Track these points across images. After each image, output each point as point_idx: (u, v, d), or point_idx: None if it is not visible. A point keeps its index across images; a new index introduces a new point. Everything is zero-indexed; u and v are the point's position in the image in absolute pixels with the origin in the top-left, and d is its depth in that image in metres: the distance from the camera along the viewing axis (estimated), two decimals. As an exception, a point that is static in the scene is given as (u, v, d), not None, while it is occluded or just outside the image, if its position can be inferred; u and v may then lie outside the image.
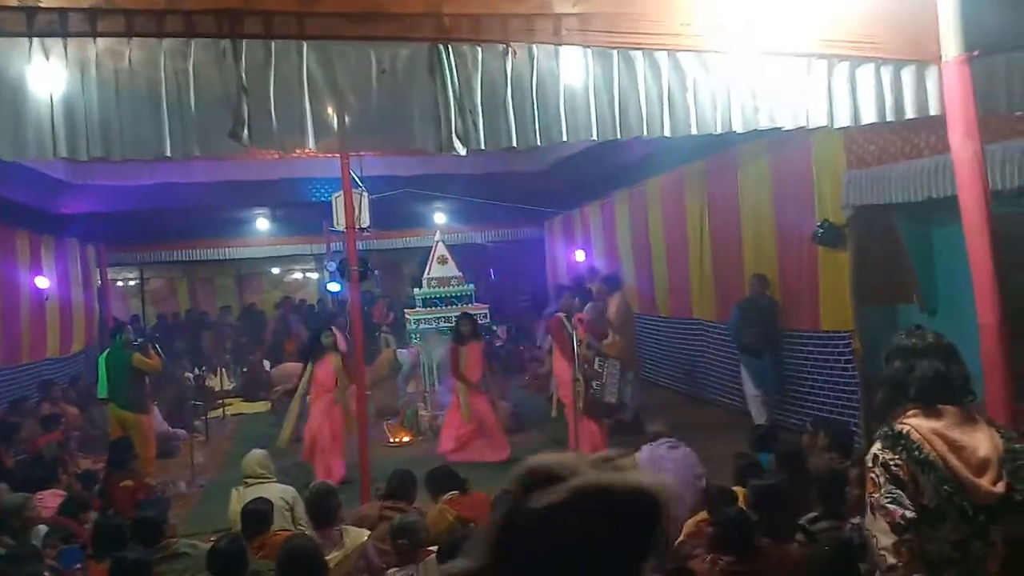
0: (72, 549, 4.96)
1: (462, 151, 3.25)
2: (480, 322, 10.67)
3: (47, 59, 3.13)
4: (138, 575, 3.64)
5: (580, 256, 13.86)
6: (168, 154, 3.09)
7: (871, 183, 6.51)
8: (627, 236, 12.13)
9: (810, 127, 3.94)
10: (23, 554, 4.22)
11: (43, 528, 5.15)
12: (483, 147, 3.33)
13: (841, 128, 6.66)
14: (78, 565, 4.67)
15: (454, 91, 3.23)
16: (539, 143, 3.41)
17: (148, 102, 3.07)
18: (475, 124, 3.23)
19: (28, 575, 3.67)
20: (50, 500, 5.76)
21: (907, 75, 3.85)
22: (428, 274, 10.57)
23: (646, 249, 11.46)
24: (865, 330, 6.90)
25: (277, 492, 5.10)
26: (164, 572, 3.91)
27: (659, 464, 5.19)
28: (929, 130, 5.70)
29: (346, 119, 3.23)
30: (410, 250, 16.31)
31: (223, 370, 13.57)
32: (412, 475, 5.00)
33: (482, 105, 3.30)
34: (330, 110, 3.20)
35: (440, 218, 14.16)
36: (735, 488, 4.51)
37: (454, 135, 3.22)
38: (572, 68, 3.47)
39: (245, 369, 13.98)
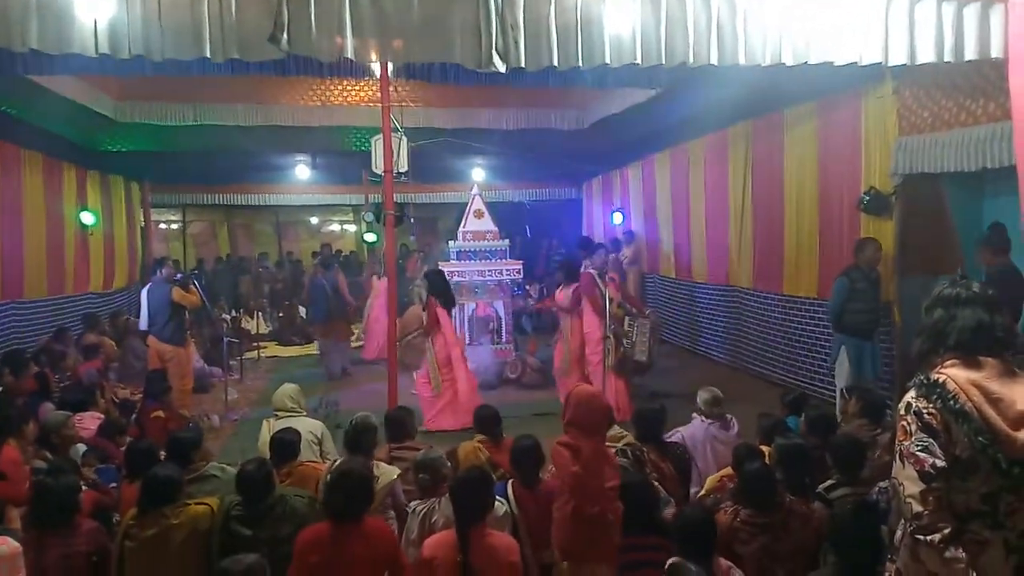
0: (108, 468, 5.16)
1: (502, 68, 3.18)
2: (512, 279, 10.72)
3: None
4: (167, 491, 3.74)
5: (618, 218, 13.74)
6: (208, 55, 3.07)
7: (923, 150, 6.31)
8: (667, 199, 11.97)
9: (863, 63, 3.79)
10: (61, 467, 4.38)
11: (82, 447, 5.34)
12: (524, 65, 3.25)
13: (895, 91, 6.53)
14: (113, 484, 4.85)
15: (496, 7, 3.16)
16: (581, 65, 3.31)
17: (188, 4, 3.06)
18: (516, 42, 3.15)
19: (64, 486, 3.77)
20: (89, 422, 5.96)
21: (970, 13, 3.67)
22: (464, 227, 10.57)
23: (685, 213, 11.30)
24: (905, 301, 6.76)
25: (306, 426, 5.19)
26: (193, 492, 4.01)
27: (707, 442, 5.16)
28: (987, 97, 5.51)
29: (385, 28, 3.18)
30: (446, 205, 16.32)
31: (259, 314, 13.80)
32: (410, 412, 5.15)
33: (525, 23, 3.22)
34: (369, 18, 3.15)
35: (478, 174, 14.12)
36: (760, 448, 4.50)
37: (494, 51, 3.14)
38: (619, -8, 3.36)
39: (280, 314, 14.21)
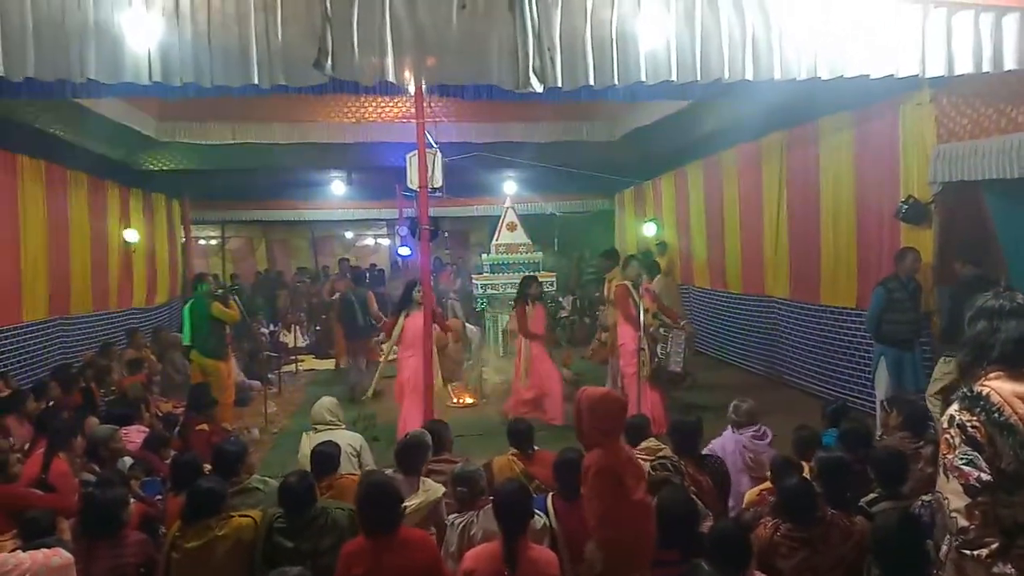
0: (153, 481, 5.26)
1: (539, 88, 3.23)
2: (546, 291, 10.72)
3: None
4: (212, 503, 3.82)
5: (651, 229, 13.70)
6: (255, 82, 3.18)
7: (962, 158, 6.22)
8: (700, 210, 11.92)
9: (899, 76, 3.77)
10: (110, 480, 4.49)
11: (128, 460, 5.46)
12: (560, 85, 3.29)
13: (932, 98, 6.44)
14: (158, 496, 4.95)
15: (533, 27, 3.21)
16: (616, 83, 3.34)
17: (236, 32, 3.17)
18: (553, 61, 3.20)
19: (113, 498, 3.88)
20: (134, 435, 6.09)
21: (1009, 23, 3.63)
22: (497, 240, 10.63)
23: (719, 224, 11.24)
24: (944, 312, 6.64)
25: (345, 438, 5.25)
26: (236, 504, 4.09)
27: (738, 452, 5.12)
28: (1028, 102, 5.42)
29: (424, 51, 3.25)
30: (479, 219, 16.44)
31: (297, 328, 13.98)
32: (446, 426, 5.19)
33: (561, 43, 3.27)
34: (409, 41, 3.22)
35: (510, 187, 14.19)
36: (799, 461, 4.46)
37: (531, 72, 3.19)
38: (653, 8, 3.39)
39: (318, 328, 14.38)
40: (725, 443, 5.18)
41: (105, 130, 9.31)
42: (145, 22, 3.24)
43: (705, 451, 5.01)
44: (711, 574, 2.98)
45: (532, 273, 9.69)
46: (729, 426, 5.31)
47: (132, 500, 4.36)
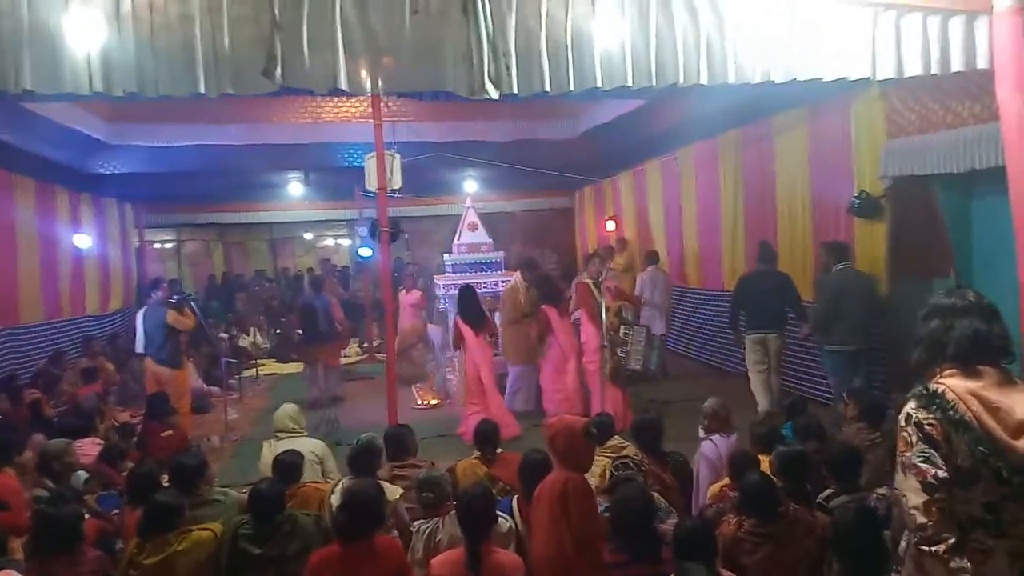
0: (111, 495, 5.14)
1: (495, 94, 3.20)
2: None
3: (85, -1, 3.14)
4: (169, 518, 3.74)
5: (611, 226, 13.77)
6: (202, 91, 3.09)
7: (911, 153, 6.36)
8: (659, 206, 12.02)
9: (852, 79, 3.83)
10: (63, 496, 4.36)
11: (83, 474, 5.32)
12: (516, 91, 3.27)
13: (882, 94, 6.57)
14: (116, 510, 4.83)
15: (487, 34, 3.18)
16: (572, 88, 3.34)
17: (181, 40, 3.07)
18: (508, 68, 3.17)
19: (67, 514, 3.76)
20: (89, 448, 5.94)
21: (955, 26, 3.71)
22: (458, 240, 10.58)
23: (678, 220, 11.35)
24: (899, 304, 6.79)
25: (308, 446, 5.18)
26: (197, 517, 4.00)
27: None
28: (973, 99, 5.55)
29: (377, 60, 3.20)
30: (440, 218, 16.33)
31: (256, 331, 13.77)
32: (410, 430, 5.13)
33: (516, 48, 3.25)
34: (362, 50, 3.17)
35: (470, 186, 14.14)
36: (756, 455, 4.49)
37: (487, 78, 3.17)
38: (608, 12, 3.39)
39: (278, 331, 14.17)
40: (719, 447, 5.06)
41: (52, 133, 9.04)
42: (85, 28, 3.12)
43: (696, 456, 4.95)
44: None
45: (495, 277, 9.66)
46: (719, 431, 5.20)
47: (87, 516, 4.26)
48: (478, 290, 10.18)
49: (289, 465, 4.50)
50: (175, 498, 3.88)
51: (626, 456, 4.47)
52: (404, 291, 11.51)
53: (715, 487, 4.56)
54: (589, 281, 7.97)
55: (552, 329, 8.18)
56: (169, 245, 18.88)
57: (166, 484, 4.39)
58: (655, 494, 4.17)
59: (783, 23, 3.56)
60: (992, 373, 2.23)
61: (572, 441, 3.71)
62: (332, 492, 4.33)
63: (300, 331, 10.26)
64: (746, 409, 7.73)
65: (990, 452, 2.14)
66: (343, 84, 3.23)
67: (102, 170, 11.19)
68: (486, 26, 3.18)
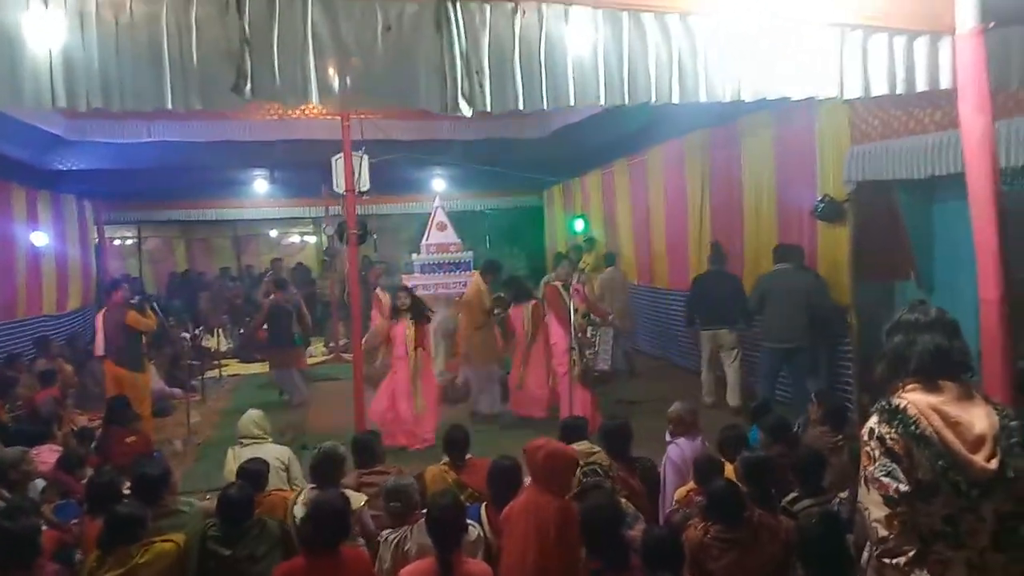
0: (69, 504, 5.01)
1: (468, 112, 3.20)
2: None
3: (46, 7, 3.06)
4: (131, 530, 3.67)
5: (579, 225, 13.82)
6: (169, 106, 3.04)
7: (874, 158, 6.47)
8: (627, 206, 12.08)
9: (820, 98, 3.90)
10: (20, 507, 4.25)
11: (40, 483, 5.19)
12: (489, 109, 3.27)
13: (847, 101, 6.68)
14: (75, 520, 4.72)
15: (461, 50, 3.17)
16: (546, 106, 3.36)
17: (149, 54, 3.01)
18: (481, 85, 3.17)
19: (24, 528, 3.67)
20: (47, 455, 5.79)
21: (920, 46, 3.78)
22: (427, 239, 10.54)
23: (645, 220, 11.42)
24: (862, 306, 6.91)
25: (273, 452, 5.12)
26: (160, 528, 3.93)
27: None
28: (934, 106, 5.65)
29: (349, 75, 3.18)
30: (409, 216, 16.24)
31: (220, 331, 13.56)
32: (377, 436, 5.15)
33: (489, 65, 3.25)
34: (333, 66, 3.14)
35: (439, 184, 14.08)
36: (722, 460, 4.53)
37: (460, 95, 3.16)
38: (581, 30, 3.41)
39: (242, 331, 13.97)
40: (684, 450, 5.09)
41: (8, 129, 8.78)
42: (46, 40, 3.03)
43: (664, 460, 4.95)
44: None
45: (459, 278, 9.64)
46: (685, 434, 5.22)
47: (45, 528, 4.15)
48: (448, 290, 10.20)
49: (254, 474, 4.44)
50: (138, 509, 3.81)
51: (594, 463, 4.48)
52: (382, 289, 11.38)
53: (681, 491, 4.59)
54: (558, 284, 7.99)
55: (518, 330, 8.25)
56: (130, 242, 18.52)
57: (128, 493, 4.31)
58: (623, 500, 4.21)
59: (753, 43, 3.62)
60: (952, 388, 2.28)
61: (559, 468, 3.73)
62: (295, 502, 4.28)
63: (267, 332, 10.10)
64: (713, 408, 7.85)
65: (949, 466, 2.18)
66: (314, 99, 3.20)
67: (60, 167, 10.90)
68: (459, 43, 3.17)
